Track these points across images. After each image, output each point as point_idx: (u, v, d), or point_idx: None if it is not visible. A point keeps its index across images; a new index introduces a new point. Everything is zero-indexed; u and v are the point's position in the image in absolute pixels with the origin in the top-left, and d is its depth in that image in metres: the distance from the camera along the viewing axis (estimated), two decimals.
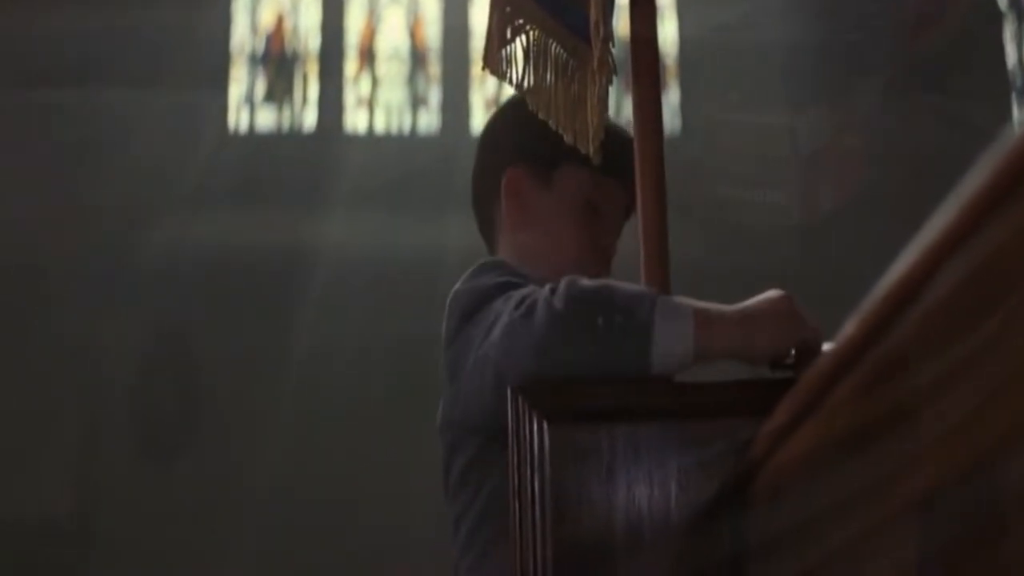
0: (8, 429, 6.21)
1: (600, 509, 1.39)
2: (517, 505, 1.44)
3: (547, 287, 1.48)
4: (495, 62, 1.62)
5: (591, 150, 1.53)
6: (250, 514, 6.13)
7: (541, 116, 1.60)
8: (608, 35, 1.47)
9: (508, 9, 1.59)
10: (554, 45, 1.58)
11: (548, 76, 1.58)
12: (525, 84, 1.61)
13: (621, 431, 1.39)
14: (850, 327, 1.00)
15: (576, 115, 1.55)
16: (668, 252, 1.48)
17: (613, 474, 1.39)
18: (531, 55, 1.60)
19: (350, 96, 7.00)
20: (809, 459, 1.15)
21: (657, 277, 1.49)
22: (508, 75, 1.62)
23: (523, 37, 1.60)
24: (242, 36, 7.10)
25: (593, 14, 1.46)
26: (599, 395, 1.44)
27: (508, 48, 1.61)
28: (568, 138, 1.59)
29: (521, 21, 1.59)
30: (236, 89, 7.04)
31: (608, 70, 1.47)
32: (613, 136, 1.79)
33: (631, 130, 1.60)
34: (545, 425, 1.39)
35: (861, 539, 1.00)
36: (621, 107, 6.28)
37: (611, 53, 1.48)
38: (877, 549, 0.97)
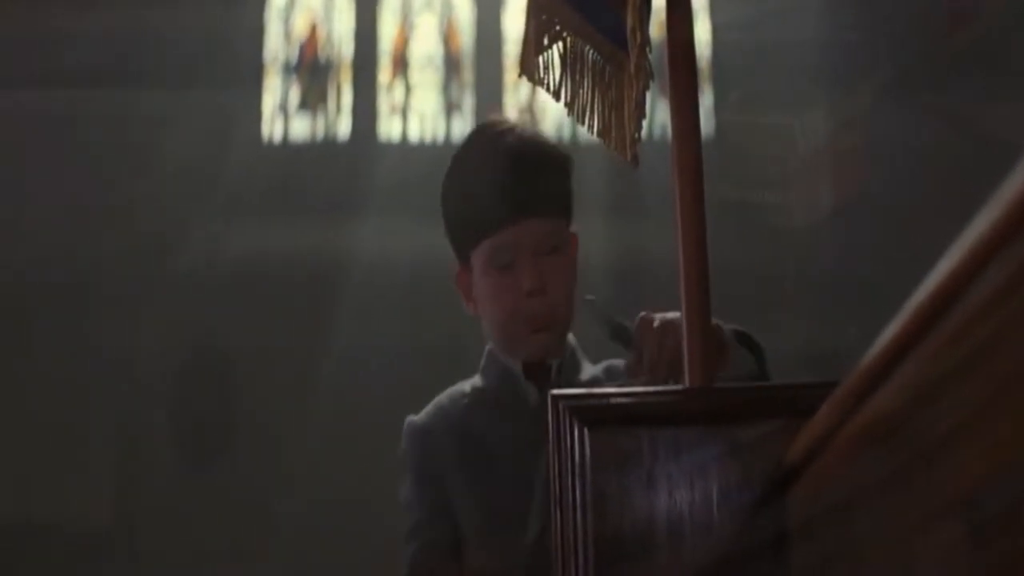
0: (45, 437, 6.24)
1: (642, 514, 1.39)
2: (559, 512, 1.44)
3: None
4: (531, 69, 1.62)
5: (628, 156, 1.53)
6: (287, 520, 6.14)
7: (579, 123, 1.61)
8: (645, 40, 1.47)
9: (544, 16, 1.60)
10: (591, 51, 1.58)
11: (585, 82, 1.58)
12: (562, 91, 1.61)
13: (662, 436, 1.39)
14: (892, 329, 1.00)
15: (614, 122, 1.55)
16: (707, 257, 1.47)
17: (654, 479, 1.39)
18: (568, 61, 1.60)
19: (384, 104, 7.01)
20: (851, 462, 1.15)
21: (695, 284, 1.49)
22: (545, 82, 1.62)
23: (560, 43, 1.60)
24: (275, 45, 7.12)
25: (630, 20, 1.46)
26: (639, 401, 1.44)
27: (545, 55, 1.61)
28: (607, 144, 1.59)
29: (558, 27, 1.59)
30: (270, 98, 7.05)
31: (645, 75, 1.47)
32: (513, 172, 1.90)
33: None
34: (586, 431, 1.40)
35: (907, 541, 0.99)
36: (655, 111, 6.28)
37: (648, 58, 1.48)
38: (923, 551, 0.96)
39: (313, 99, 7.04)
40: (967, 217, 0.85)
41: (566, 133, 6.88)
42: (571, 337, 2.03)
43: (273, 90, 7.05)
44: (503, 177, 1.95)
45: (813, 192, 6.60)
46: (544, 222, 1.95)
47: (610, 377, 1.97)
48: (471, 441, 2.01)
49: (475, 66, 7.03)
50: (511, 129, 2.02)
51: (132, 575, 6.28)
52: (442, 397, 2.09)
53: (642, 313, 1.65)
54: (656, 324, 1.65)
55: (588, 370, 2.01)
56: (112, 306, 6.38)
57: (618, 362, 1.94)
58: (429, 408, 2.08)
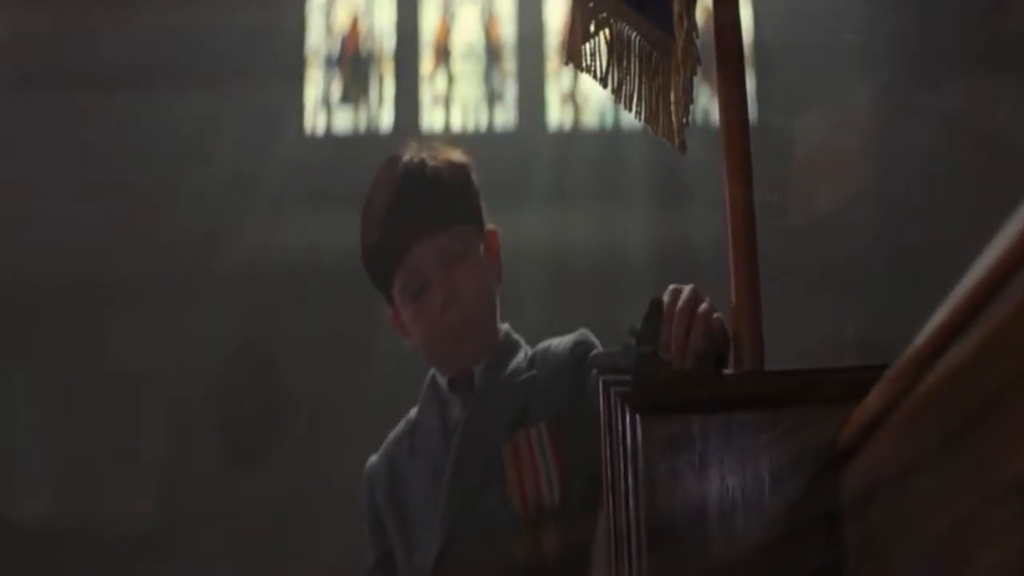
0: (92, 434, 6.28)
1: (693, 499, 1.39)
2: (611, 498, 1.45)
3: None
4: (578, 56, 1.62)
5: (676, 142, 1.53)
6: (333, 519, 6.15)
7: (626, 109, 1.61)
8: (692, 26, 1.47)
9: (591, 3, 1.60)
10: (637, 37, 1.58)
11: (632, 69, 1.58)
12: (609, 78, 1.61)
13: (713, 421, 1.39)
14: (943, 312, 1.00)
15: (661, 108, 1.55)
16: (756, 243, 1.48)
17: (706, 464, 1.39)
18: (614, 48, 1.60)
19: (426, 95, 7.01)
20: (903, 443, 1.15)
21: (745, 269, 1.49)
22: (592, 69, 1.62)
23: (606, 30, 1.60)
24: (317, 38, 7.13)
25: (676, 6, 1.46)
26: (690, 386, 1.44)
27: (591, 42, 1.62)
28: (655, 131, 1.59)
29: (604, 14, 1.59)
30: (312, 91, 7.07)
31: (692, 61, 1.48)
32: (397, 201, 1.94)
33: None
34: (638, 417, 1.40)
35: (964, 524, 0.99)
36: (697, 97, 6.27)
37: (695, 44, 1.48)
38: (978, 534, 0.96)
39: (355, 92, 7.05)
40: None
41: (608, 121, 6.87)
42: (505, 328, 2.05)
43: (315, 83, 7.07)
44: (388, 210, 2.02)
45: (855, 180, 6.57)
46: (438, 236, 1.99)
47: (540, 362, 1.98)
48: (396, 480, 2.09)
49: (517, 55, 7.03)
50: (396, 161, 2.07)
51: (177, 572, 6.31)
52: (392, 433, 2.16)
53: (671, 287, 1.61)
54: (680, 306, 1.60)
55: (516, 360, 2.02)
56: (159, 303, 6.41)
57: (557, 341, 2.00)
58: (382, 447, 2.15)
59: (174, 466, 6.56)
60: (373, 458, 2.15)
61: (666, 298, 1.57)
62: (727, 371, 1.55)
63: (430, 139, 6.80)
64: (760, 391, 1.44)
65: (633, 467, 1.40)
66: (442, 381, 2.05)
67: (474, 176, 2.06)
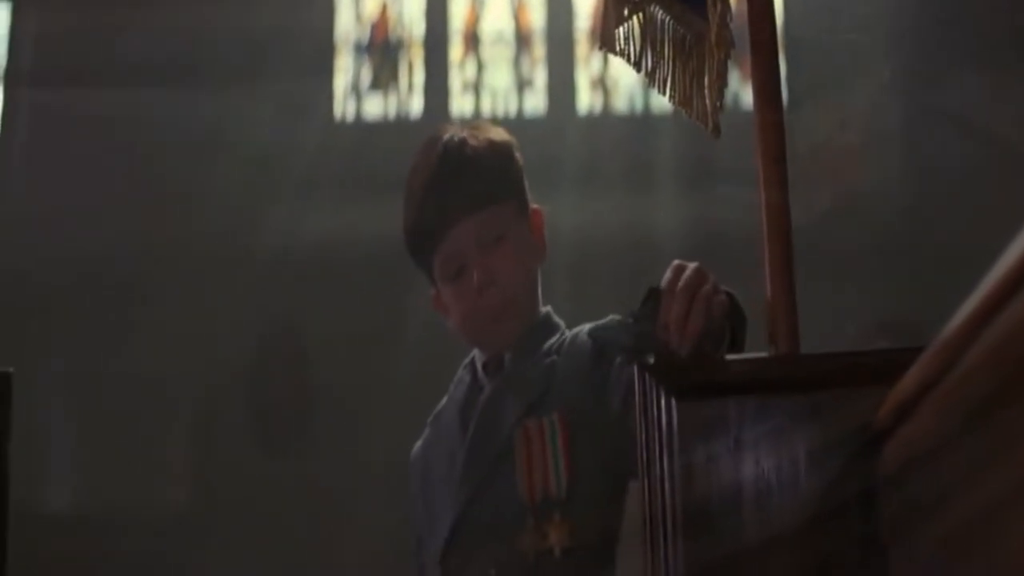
0: (124, 423, 6.30)
1: (729, 482, 1.40)
2: (646, 482, 1.45)
3: None
4: (611, 40, 1.62)
5: (710, 125, 1.53)
6: (366, 505, 6.16)
7: (660, 93, 1.61)
8: (726, 9, 1.47)
9: None
10: (670, 21, 1.58)
11: (666, 52, 1.58)
12: (643, 62, 1.61)
13: (749, 404, 1.39)
14: (978, 292, 1.00)
15: (695, 91, 1.55)
16: (790, 225, 1.48)
17: (741, 447, 1.40)
18: (648, 32, 1.60)
19: (456, 81, 7.02)
20: (940, 424, 1.15)
21: (779, 252, 1.49)
22: (626, 53, 1.63)
23: (639, 14, 1.60)
24: (346, 25, 7.14)
25: None
26: (726, 369, 1.44)
27: (625, 26, 1.62)
28: (688, 114, 1.59)
29: None
30: (342, 78, 7.08)
31: (726, 44, 1.48)
32: (435, 182, 1.94)
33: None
34: (673, 401, 1.40)
35: (998, 501, 0.99)
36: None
37: (729, 27, 1.48)
38: (1016, 511, 0.96)
39: (385, 78, 7.06)
40: None
41: (638, 105, 6.87)
42: (546, 310, 2.05)
43: (345, 70, 7.08)
44: (426, 191, 2.01)
45: (886, 164, 6.56)
46: (477, 217, 1.98)
47: (566, 349, 1.97)
48: (427, 465, 2.11)
49: (546, 41, 7.03)
50: (436, 141, 2.05)
51: (210, 560, 6.33)
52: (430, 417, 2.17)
53: (675, 262, 1.57)
54: (681, 285, 1.55)
55: (548, 343, 2.01)
56: (191, 291, 6.43)
57: (589, 327, 1.98)
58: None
59: (207, 454, 6.58)
60: (418, 443, 2.16)
61: (668, 274, 1.54)
62: (750, 354, 1.54)
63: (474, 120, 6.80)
64: (795, 374, 1.45)
65: (668, 450, 1.40)
66: (479, 364, 2.05)
67: (518, 154, 2.05)
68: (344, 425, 6.37)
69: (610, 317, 1.94)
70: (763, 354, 1.53)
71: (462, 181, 1.99)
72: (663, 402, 1.41)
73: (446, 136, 2.03)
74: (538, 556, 1.85)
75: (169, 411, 6.48)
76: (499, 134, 2.06)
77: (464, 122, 2.09)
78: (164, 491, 6.49)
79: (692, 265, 1.54)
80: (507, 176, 2.03)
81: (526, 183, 2.06)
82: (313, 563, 6.07)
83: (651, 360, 1.47)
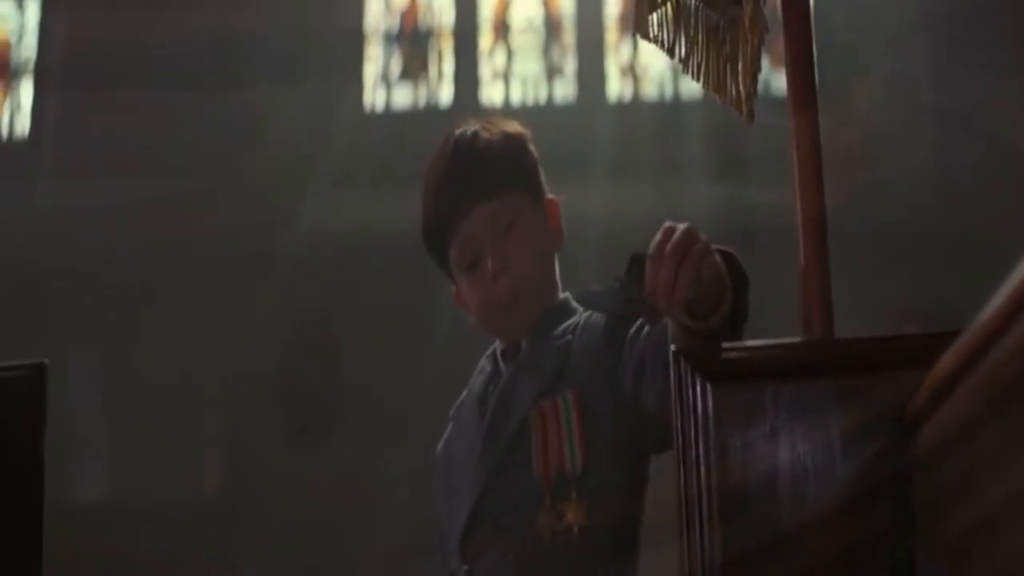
0: (155, 413, 6.33)
1: (764, 466, 1.40)
2: (682, 466, 1.45)
3: None
4: (645, 27, 1.63)
5: (744, 111, 1.53)
6: (395, 496, 6.17)
7: (694, 80, 1.61)
8: None
9: None
10: (703, 7, 1.58)
11: (699, 38, 1.58)
12: (676, 48, 1.61)
13: (784, 388, 1.40)
14: (1016, 276, 1.00)
15: (729, 77, 1.55)
16: (824, 207, 1.48)
17: (776, 431, 1.40)
18: (681, 17, 1.61)
19: (485, 70, 7.02)
20: (975, 408, 1.15)
21: (814, 236, 1.49)
22: (659, 39, 1.63)
23: (673, 0, 1.60)
24: (376, 14, 7.15)
25: None
26: (761, 355, 1.45)
27: (658, 12, 1.62)
28: (722, 100, 1.59)
29: None
30: (371, 68, 7.08)
31: (761, 29, 1.48)
32: (448, 173, 1.95)
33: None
34: (708, 386, 1.40)
35: None
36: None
37: (763, 12, 1.48)
38: None
39: (415, 67, 7.06)
40: None
41: (668, 91, 6.86)
42: (565, 296, 2.05)
43: (375, 60, 7.09)
44: (439, 183, 2.04)
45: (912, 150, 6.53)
46: (489, 206, 2.00)
47: (581, 329, 1.97)
48: (448, 462, 2.11)
49: (576, 28, 7.02)
50: (449, 137, 2.08)
51: (240, 546, 6.35)
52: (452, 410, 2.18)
53: (665, 224, 1.51)
54: (669, 248, 1.49)
55: (564, 325, 2.01)
56: (222, 283, 6.45)
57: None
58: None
59: (237, 448, 6.60)
60: (441, 441, 2.17)
61: (658, 236, 1.50)
62: (785, 339, 1.54)
63: (489, 114, 6.80)
64: (830, 359, 1.45)
65: (704, 435, 1.41)
66: (499, 352, 2.06)
67: (531, 147, 2.07)
68: (374, 418, 6.38)
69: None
70: (797, 339, 1.53)
71: (473, 172, 2.01)
72: (698, 387, 1.42)
73: (458, 131, 2.05)
74: (555, 536, 1.85)
75: (200, 405, 6.50)
76: (513, 127, 2.08)
77: (480, 119, 2.09)
78: (194, 485, 6.51)
79: (682, 226, 1.49)
80: (519, 166, 2.05)
81: (541, 174, 2.07)
82: (340, 555, 6.09)
83: (675, 345, 1.47)
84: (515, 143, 2.06)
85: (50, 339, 5.89)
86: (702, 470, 1.41)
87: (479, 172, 2.01)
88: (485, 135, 2.05)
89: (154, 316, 6.50)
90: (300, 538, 6.17)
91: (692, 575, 1.41)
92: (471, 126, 2.06)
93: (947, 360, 1.20)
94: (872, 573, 1.38)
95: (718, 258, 1.49)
